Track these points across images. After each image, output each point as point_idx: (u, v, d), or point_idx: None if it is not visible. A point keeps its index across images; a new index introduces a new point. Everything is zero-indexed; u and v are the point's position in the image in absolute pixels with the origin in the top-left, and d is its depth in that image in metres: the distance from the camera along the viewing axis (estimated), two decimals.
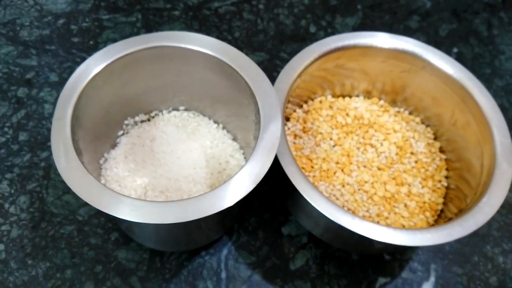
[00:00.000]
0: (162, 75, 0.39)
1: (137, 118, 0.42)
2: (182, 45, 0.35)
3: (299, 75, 0.40)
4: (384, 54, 0.42)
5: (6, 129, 0.46)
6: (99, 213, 0.42)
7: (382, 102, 0.47)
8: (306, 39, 0.56)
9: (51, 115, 0.47)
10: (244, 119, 0.39)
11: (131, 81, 0.37)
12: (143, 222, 0.28)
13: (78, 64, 0.51)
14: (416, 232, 0.32)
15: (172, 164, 0.40)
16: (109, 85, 0.36)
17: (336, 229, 0.35)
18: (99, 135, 0.38)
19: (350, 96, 0.48)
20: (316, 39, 0.42)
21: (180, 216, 0.28)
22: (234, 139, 0.43)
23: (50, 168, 0.44)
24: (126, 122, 0.41)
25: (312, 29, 0.57)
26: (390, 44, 0.42)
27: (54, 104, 0.47)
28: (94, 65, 0.34)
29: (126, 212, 0.28)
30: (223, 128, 0.44)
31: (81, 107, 0.33)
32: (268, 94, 0.34)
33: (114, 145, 0.41)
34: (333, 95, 0.47)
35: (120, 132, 0.41)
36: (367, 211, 0.40)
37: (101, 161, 0.39)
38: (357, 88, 0.47)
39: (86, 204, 0.31)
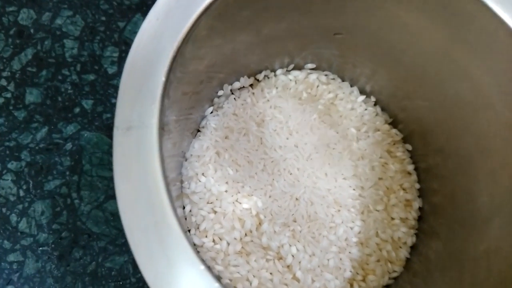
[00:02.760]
0: (306, 11, 0.20)
1: (236, 84, 0.24)
2: None
3: None
4: None
5: (3, 81, 0.28)
6: None
7: None
8: None
9: (75, 58, 0.28)
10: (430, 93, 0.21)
11: (250, 24, 0.19)
12: None
13: None
14: None
15: (299, 172, 0.23)
16: (216, 35, 0.17)
17: None
18: (183, 120, 0.20)
19: None
20: None
21: None
22: (393, 123, 0.25)
23: (81, 152, 0.26)
24: (220, 93, 0.23)
25: None
26: None
27: (80, 40, 0.28)
28: None
29: None
30: (375, 103, 0.26)
31: (169, 82, 0.15)
32: None
33: (196, 131, 0.23)
34: None
35: (209, 110, 0.23)
36: None
37: (183, 168, 0.22)
38: None
39: None
